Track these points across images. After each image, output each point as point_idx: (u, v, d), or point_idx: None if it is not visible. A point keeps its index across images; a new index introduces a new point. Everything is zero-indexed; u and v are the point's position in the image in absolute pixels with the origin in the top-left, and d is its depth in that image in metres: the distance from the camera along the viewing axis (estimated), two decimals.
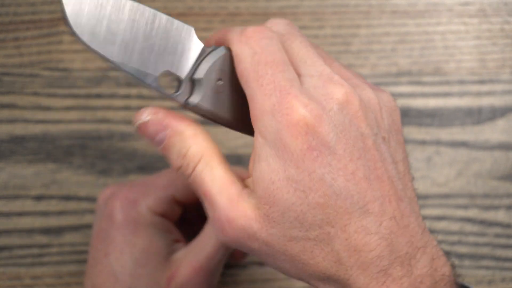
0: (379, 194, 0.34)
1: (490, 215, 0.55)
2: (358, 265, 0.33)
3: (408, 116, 0.55)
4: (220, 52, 0.36)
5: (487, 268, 0.54)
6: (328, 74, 0.35)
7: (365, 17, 0.56)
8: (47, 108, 0.55)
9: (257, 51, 0.35)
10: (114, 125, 0.55)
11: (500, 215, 0.55)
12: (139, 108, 0.55)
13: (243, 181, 0.36)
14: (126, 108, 0.55)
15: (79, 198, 0.55)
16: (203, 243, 0.44)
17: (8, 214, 0.54)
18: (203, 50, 0.36)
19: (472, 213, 0.55)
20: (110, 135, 0.55)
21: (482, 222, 0.55)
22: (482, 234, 0.54)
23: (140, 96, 0.55)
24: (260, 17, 0.56)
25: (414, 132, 0.55)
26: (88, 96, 0.55)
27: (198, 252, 0.44)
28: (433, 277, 0.34)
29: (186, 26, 0.36)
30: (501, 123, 0.55)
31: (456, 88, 0.56)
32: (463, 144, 0.55)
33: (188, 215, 0.48)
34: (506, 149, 0.55)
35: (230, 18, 0.56)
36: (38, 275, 0.54)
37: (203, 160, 0.36)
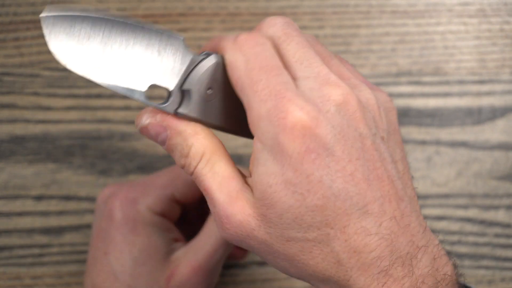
0: (379, 194, 0.34)
1: (490, 215, 0.55)
2: (358, 266, 0.33)
3: (408, 116, 0.55)
4: (210, 61, 0.36)
5: (487, 268, 0.54)
6: (325, 75, 0.35)
7: (365, 17, 0.56)
8: (47, 108, 0.55)
9: (250, 58, 0.35)
10: (114, 125, 0.55)
11: (500, 215, 0.55)
12: (139, 108, 0.55)
13: (246, 178, 0.36)
14: (126, 108, 0.55)
15: (79, 198, 0.55)
16: (203, 242, 0.44)
17: (8, 214, 0.54)
18: (192, 60, 0.36)
19: (472, 213, 0.55)
20: (110, 135, 0.55)
21: (482, 222, 0.55)
22: (482, 234, 0.54)
23: None
24: (260, 17, 0.56)
25: (414, 132, 0.55)
26: (88, 96, 0.55)
27: (198, 251, 0.44)
28: (434, 277, 0.34)
29: (174, 37, 0.36)
30: (501, 123, 0.55)
31: (456, 88, 0.56)
32: (463, 144, 0.55)
33: (187, 214, 0.49)
34: (506, 149, 0.55)
35: (230, 18, 0.56)
36: (38, 275, 0.54)
37: (204, 158, 0.36)
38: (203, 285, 0.44)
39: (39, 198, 0.54)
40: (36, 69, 0.55)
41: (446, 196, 0.55)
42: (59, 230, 0.54)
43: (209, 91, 0.37)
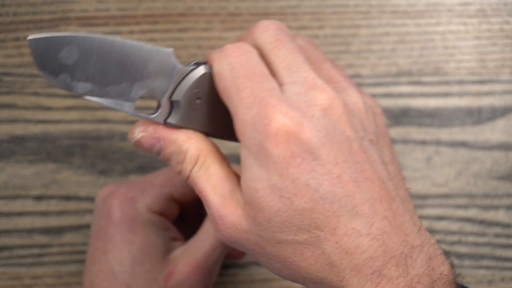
0: (369, 195, 0.34)
1: (490, 215, 0.55)
2: (350, 267, 0.33)
3: (408, 116, 0.55)
4: (198, 73, 0.37)
5: (487, 268, 0.54)
6: (311, 79, 0.35)
7: (365, 17, 0.56)
8: (47, 108, 0.55)
9: (236, 67, 0.35)
10: (114, 125, 0.55)
11: (500, 215, 0.55)
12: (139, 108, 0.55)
13: (240, 179, 0.36)
14: None
15: (79, 198, 0.55)
16: (201, 241, 0.44)
17: (8, 214, 0.54)
18: (181, 71, 0.37)
19: (472, 213, 0.55)
20: (110, 135, 0.55)
21: (482, 222, 0.54)
22: (482, 234, 0.54)
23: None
24: (260, 17, 0.56)
25: (414, 132, 0.55)
26: None
27: (196, 250, 0.44)
28: (430, 276, 0.34)
29: (163, 50, 0.37)
30: (501, 123, 0.55)
31: (456, 88, 0.56)
32: (463, 144, 0.55)
33: (186, 213, 0.49)
34: (506, 149, 0.55)
35: (230, 18, 0.56)
36: (38, 275, 0.54)
37: (199, 161, 0.37)
38: (202, 284, 0.44)
39: (39, 198, 0.55)
40: (36, 69, 0.55)
41: (446, 196, 0.55)
42: (59, 230, 0.54)
43: (197, 101, 0.37)
